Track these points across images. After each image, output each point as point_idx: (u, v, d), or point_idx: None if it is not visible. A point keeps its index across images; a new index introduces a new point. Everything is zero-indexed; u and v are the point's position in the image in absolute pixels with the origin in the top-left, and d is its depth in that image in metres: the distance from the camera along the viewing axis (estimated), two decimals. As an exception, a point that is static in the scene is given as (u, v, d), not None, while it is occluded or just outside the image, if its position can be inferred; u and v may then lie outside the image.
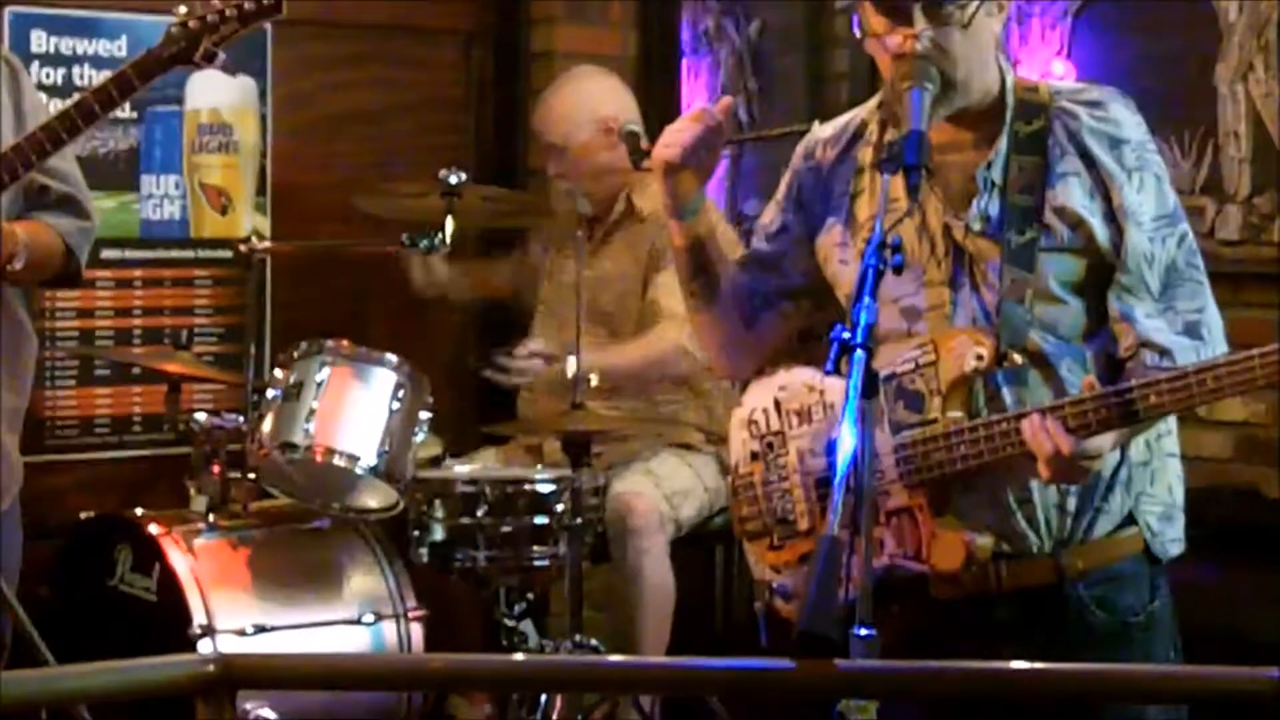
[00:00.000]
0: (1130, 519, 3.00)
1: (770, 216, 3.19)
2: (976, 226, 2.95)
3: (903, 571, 2.93)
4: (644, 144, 3.26)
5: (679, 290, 4.95)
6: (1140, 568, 3.01)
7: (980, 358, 2.89)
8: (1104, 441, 2.82)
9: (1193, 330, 2.90)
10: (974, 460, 2.87)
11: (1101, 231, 2.92)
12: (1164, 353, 2.86)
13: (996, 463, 2.87)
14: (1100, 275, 2.93)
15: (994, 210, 2.95)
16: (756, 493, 3.12)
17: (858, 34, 2.95)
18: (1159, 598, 3.03)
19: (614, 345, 4.93)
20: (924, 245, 2.98)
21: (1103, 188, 2.93)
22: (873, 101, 3.09)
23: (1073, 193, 2.92)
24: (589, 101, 5.08)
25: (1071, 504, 2.95)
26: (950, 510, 2.92)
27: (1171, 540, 3.03)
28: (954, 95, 2.91)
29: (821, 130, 3.15)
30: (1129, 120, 2.97)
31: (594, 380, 4.60)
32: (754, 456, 3.13)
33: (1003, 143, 2.95)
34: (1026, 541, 2.96)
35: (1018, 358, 2.89)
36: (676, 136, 3.01)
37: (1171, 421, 3.04)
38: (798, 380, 3.10)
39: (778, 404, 3.11)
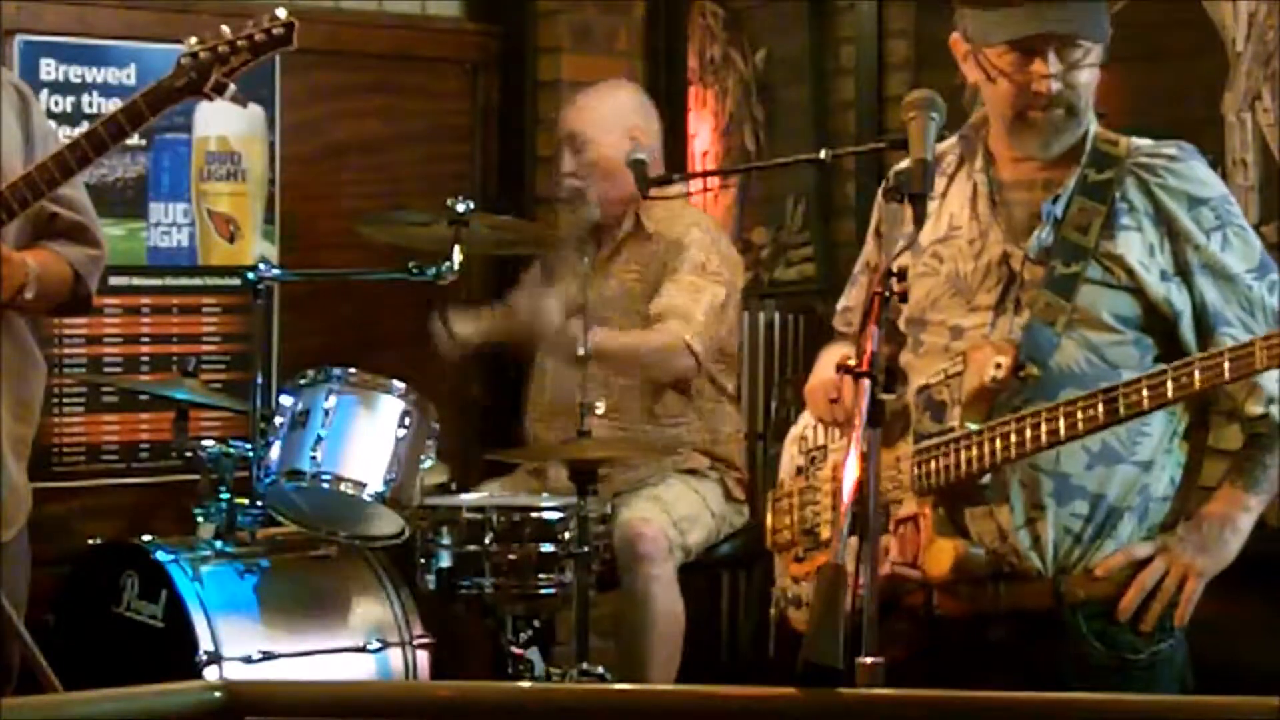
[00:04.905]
0: None
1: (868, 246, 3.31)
2: (1034, 256, 3.01)
3: (901, 580, 2.96)
4: (650, 173, 3.29)
5: (686, 293, 4.97)
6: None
7: (999, 366, 2.92)
8: None
9: None
10: (972, 465, 2.89)
11: (1157, 288, 2.96)
12: None
13: (996, 471, 2.90)
14: (1156, 318, 2.98)
15: (1048, 240, 2.99)
16: (794, 503, 3.17)
17: (969, 74, 3.01)
18: (1169, 640, 3.02)
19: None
20: (978, 272, 3.02)
21: (1171, 244, 2.97)
22: (954, 137, 3.16)
23: (1131, 247, 2.98)
24: (624, 108, 5.13)
25: (1086, 529, 2.95)
26: (953, 520, 2.94)
27: None
28: (1074, 126, 2.99)
29: (901, 164, 3.20)
30: (1208, 178, 3.03)
31: (600, 408, 4.60)
32: (799, 471, 3.19)
33: (1071, 183, 3.01)
34: (1028, 562, 2.96)
35: (1035, 370, 2.93)
36: None
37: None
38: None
39: None
